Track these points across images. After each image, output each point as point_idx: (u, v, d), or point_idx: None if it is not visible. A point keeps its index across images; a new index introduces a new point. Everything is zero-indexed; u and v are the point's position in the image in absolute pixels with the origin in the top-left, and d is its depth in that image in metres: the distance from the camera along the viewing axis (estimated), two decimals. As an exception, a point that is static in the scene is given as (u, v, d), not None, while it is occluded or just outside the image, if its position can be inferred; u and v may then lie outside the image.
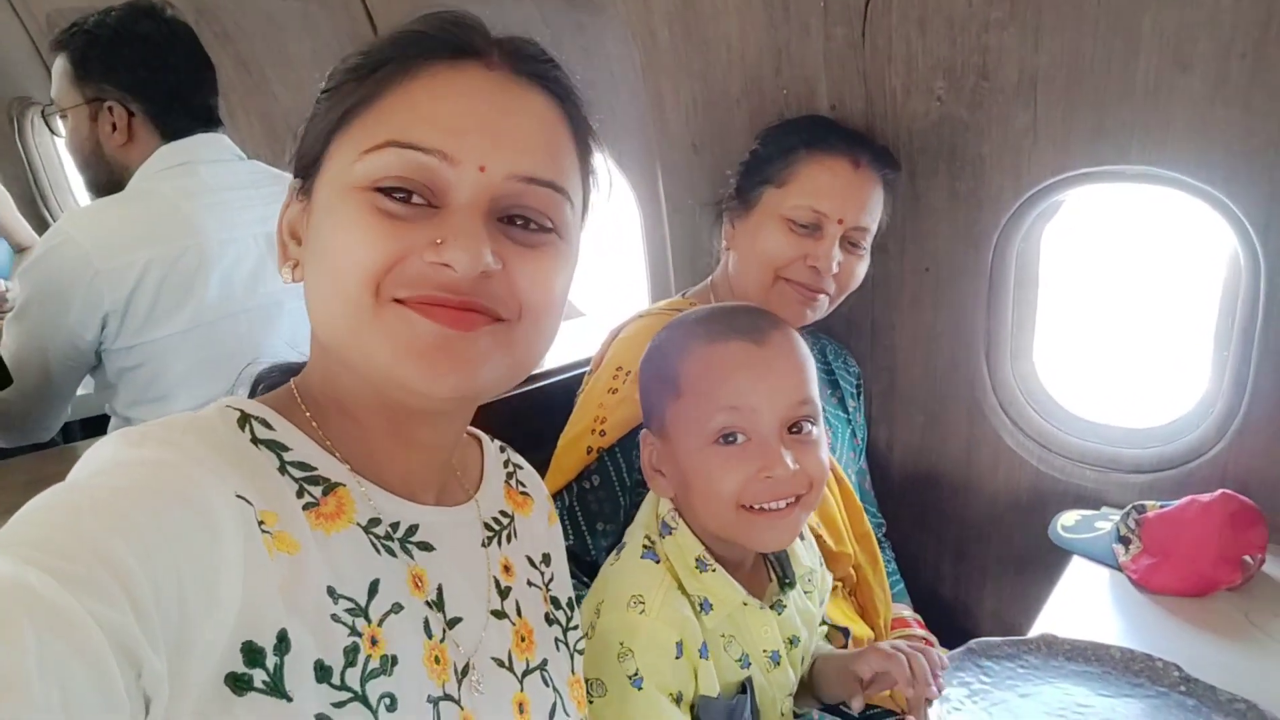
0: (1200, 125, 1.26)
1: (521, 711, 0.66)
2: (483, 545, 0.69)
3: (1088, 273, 1.66)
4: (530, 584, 0.73)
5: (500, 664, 0.66)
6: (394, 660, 0.57)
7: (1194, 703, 1.00)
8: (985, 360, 1.61)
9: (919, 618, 1.53)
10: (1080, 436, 1.60)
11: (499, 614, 0.68)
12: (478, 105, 0.58)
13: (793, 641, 1.03)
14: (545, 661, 0.70)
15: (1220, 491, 1.31)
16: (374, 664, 0.56)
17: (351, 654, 0.55)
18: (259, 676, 0.49)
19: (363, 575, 0.58)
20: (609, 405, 1.30)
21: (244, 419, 0.60)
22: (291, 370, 0.69)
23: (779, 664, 1.01)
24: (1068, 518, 1.47)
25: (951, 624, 1.39)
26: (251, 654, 0.50)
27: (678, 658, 0.90)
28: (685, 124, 1.67)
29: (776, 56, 1.50)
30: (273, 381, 0.69)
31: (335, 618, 0.55)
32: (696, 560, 0.95)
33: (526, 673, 0.68)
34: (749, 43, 1.51)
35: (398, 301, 0.56)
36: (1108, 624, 1.21)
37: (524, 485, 0.79)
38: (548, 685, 0.70)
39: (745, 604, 0.96)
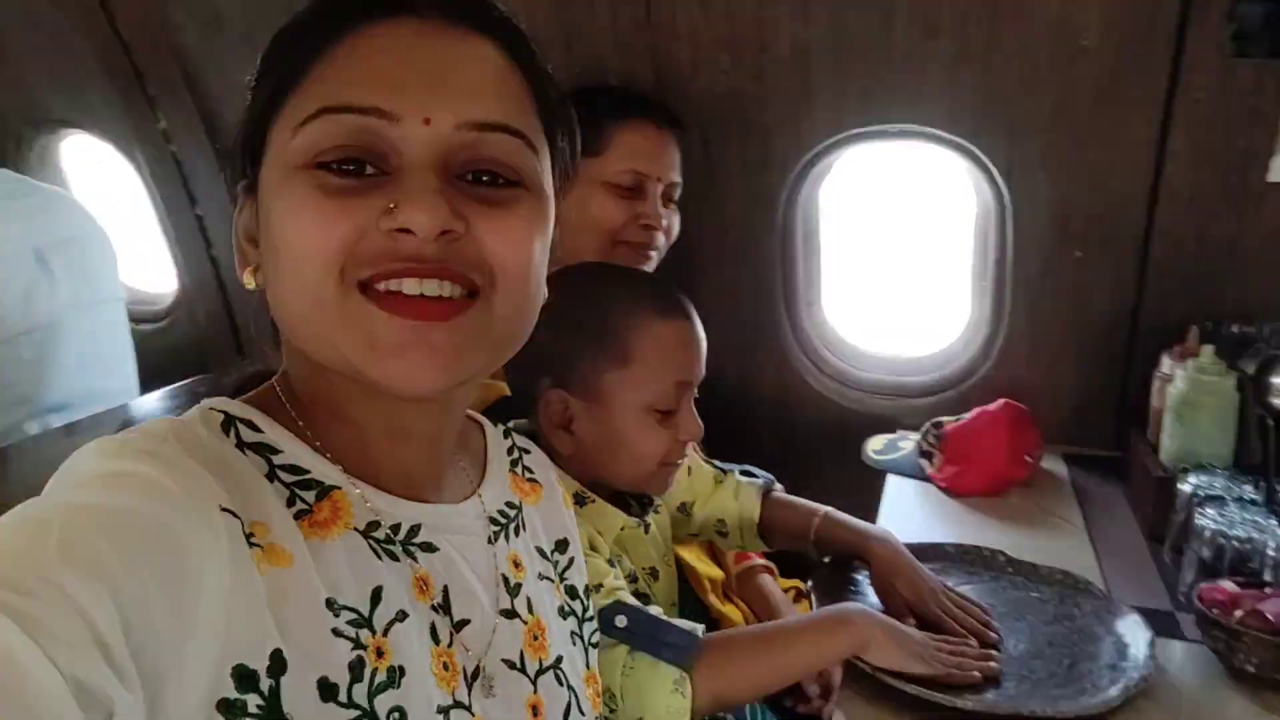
0: (949, 85, 1.43)
1: (535, 714, 0.64)
2: (489, 542, 0.66)
3: (863, 224, 1.84)
4: (542, 577, 0.70)
5: (512, 666, 0.63)
6: (401, 671, 0.54)
7: (1021, 579, 1.17)
8: (785, 311, 1.75)
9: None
10: (872, 370, 1.79)
11: (509, 613, 0.65)
12: (414, 56, 0.53)
13: (663, 556, 1.12)
14: (559, 659, 0.68)
15: (1002, 401, 1.52)
16: (381, 677, 0.53)
17: (357, 669, 0.52)
18: (253, 701, 0.47)
19: (364, 583, 0.55)
20: None
21: (228, 422, 0.57)
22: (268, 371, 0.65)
23: (659, 577, 1.09)
24: (875, 442, 1.64)
25: (788, 558, 1.51)
26: (243, 678, 0.47)
27: None
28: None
29: (566, 37, 1.53)
30: (253, 376, 0.64)
31: (337, 631, 0.52)
32: (575, 495, 0.97)
33: (540, 673, 0.65)
34: (537, 24, 1.53)
35: (364, 289, 0.52)
36: (931, 528, 1.37)
37: (531, 471, 0.76)
38: (562, 684, 0.67)
39: (623, 527, 1.02)
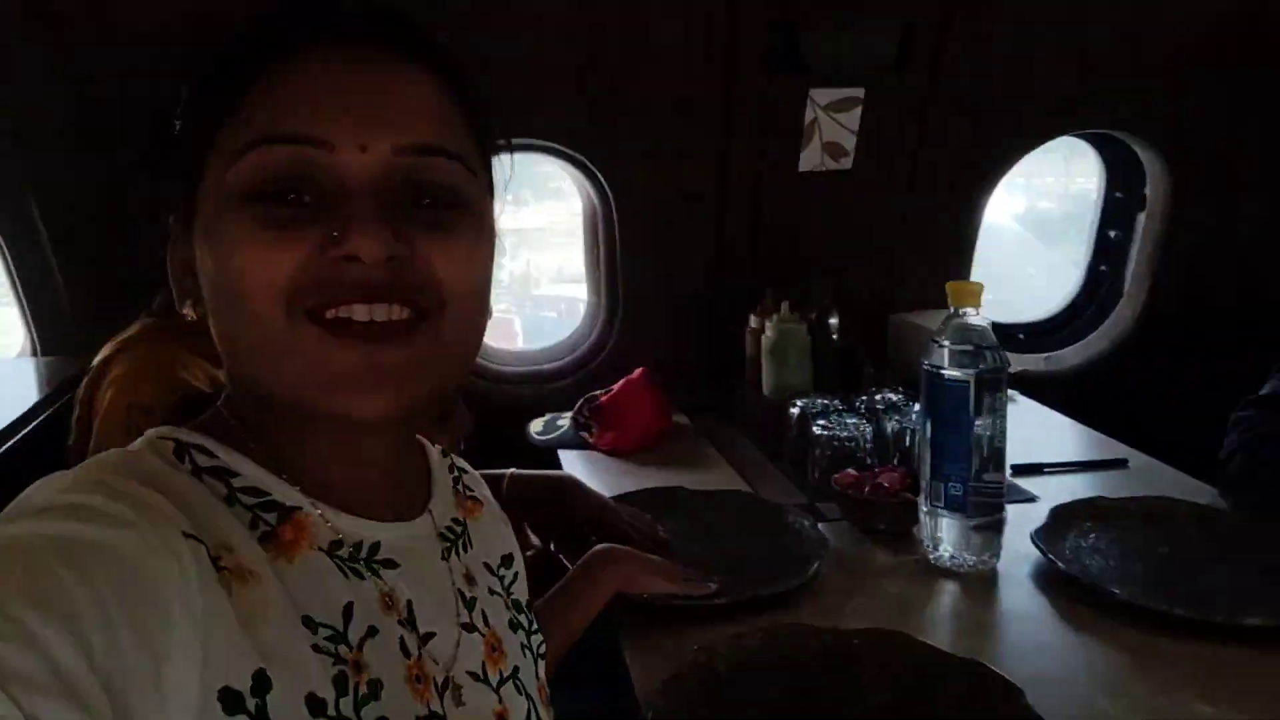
0: (564, 103, 1.64)
1: None
2: (442, 558, 0.66)
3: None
4: (492, 591, 0.71)
5: (476, 678, 0.65)
6: (380, 684, 0.55)
7: (703, 504, 1.41)
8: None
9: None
10: (513, 365, 1.94)
11: (468, 627, 0.66)
12: (347, 83, 0.53)
13: None
14: (516, 669, 0.69)
15: (640, 369, 1.77)
16: (364, 689, 0.54)
17: (341, 683, 0.53)
18: None
19: (334, 601, 0.55)
20: None
21: (180, 449, 0.54)
22: (204, 397, 0.60)
23: None
24: (535, 424, 1.80)
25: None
26: (229, 700, 0.47)
27: None
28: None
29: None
30: (186, 404, 0.60)
31: (317, 648, 0.53)
32: None
33: (501, 683, 0.67)
34: None
35: (312, 318, 0.52)
36: (611, 485, 1.54)
37: (471, 490, 0.76)
38: (521, 694, 0.69)
39: None
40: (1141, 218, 2.11)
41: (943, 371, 1.14)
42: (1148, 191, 2.09)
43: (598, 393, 1.77)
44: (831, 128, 1.71)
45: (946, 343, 1.14)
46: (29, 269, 1.61)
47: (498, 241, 0.61)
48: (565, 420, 1.78)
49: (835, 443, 1.47)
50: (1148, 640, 1.04)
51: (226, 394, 0.60)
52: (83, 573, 0.42)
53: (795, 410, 1.58)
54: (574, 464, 1.68)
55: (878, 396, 1.59)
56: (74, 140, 1.49)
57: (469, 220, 0.56)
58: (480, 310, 0.58)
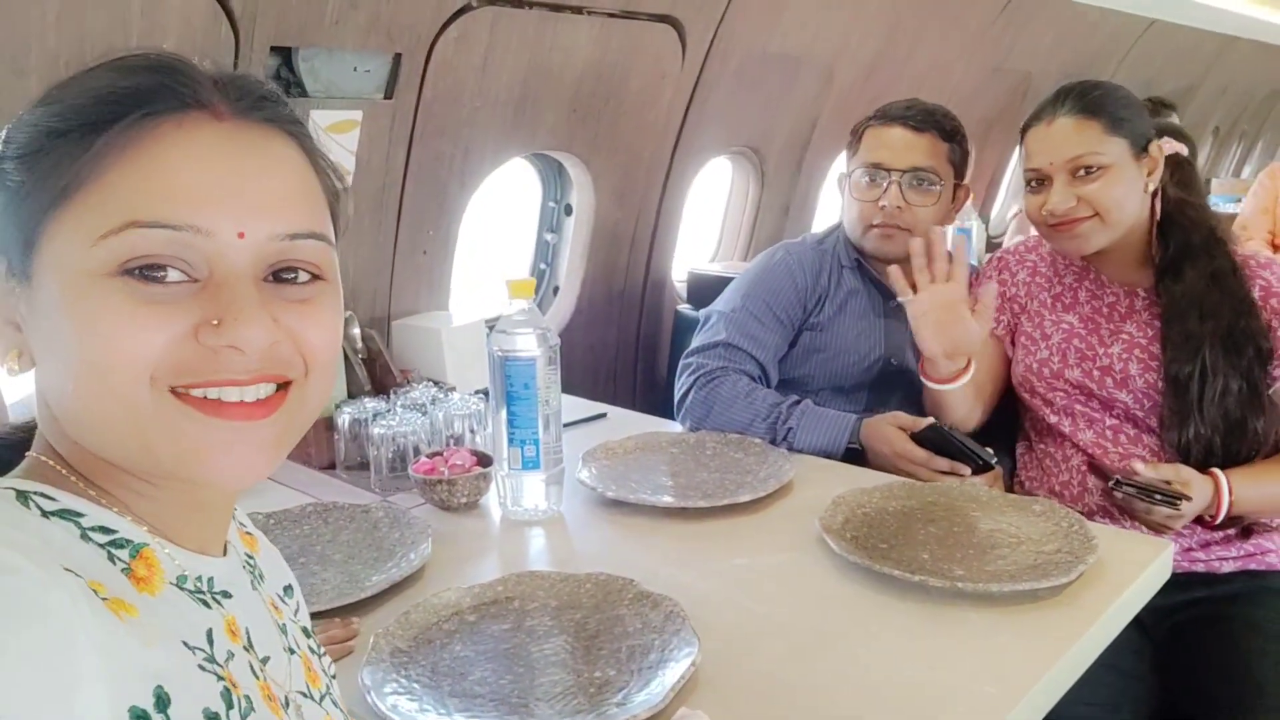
0: None
1: None
2: (253, 588, 0.65)
3: None
4: (290, 619, 0.70)
5: (304, 694, 0.66)
6: (249, 700, 0.57)
7: (290, 521, 1.43)
8: None
9: None
10: None
11: (288, 649, 0.66)
12: (219, 167, 0.54)
13: None
14: (328, 689, 0.70)
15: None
16: (243, 704, 0.56)
17: (227, 698, 0.55)
18: None
19: (198, 627, 0.56)
20: None
21: (21, 495, 0.51)
22: None
23: None
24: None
25: None
26: (139, 718, 0.48)
27: None
28: None
29: None
30: None
31: (201, 667, 0.55)
32: None
33: (321, 699, 0.68)
34: None
35: (178, 395, 0.52)
36: None
37: (245, 525, 0.71)
38: (337, 708, 0.70)
39: None
40: (570, 221, 2.58)
41: (513, 352, 1.36)
42: (574, 199, 2.56)
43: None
44: (332, 149, 1.80)
45: (516, 328, 1.36)
46: None
47: None
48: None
49: (397, 439, 1.59)
50: (684, 528, 1.40)
51: (42, 445, 0.57)
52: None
53: (345, 418, 1.66)
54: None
55: (415, 393, 1.75)
56: None
57: (329, 290, 0.59)
58: (335, 370, 0.62)
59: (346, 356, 1.80)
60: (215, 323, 0.52)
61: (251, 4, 1.61)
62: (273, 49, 1.71)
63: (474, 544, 1.40)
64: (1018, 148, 1.64)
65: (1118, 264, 1.60)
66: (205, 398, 0.53)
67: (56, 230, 0.52)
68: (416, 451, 1.59)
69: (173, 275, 0.52)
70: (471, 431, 1.68)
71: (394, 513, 1.43)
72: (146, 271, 0.51)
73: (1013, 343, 1.71)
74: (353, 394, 1.80)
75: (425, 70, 1.94)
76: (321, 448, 1.69)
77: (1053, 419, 1.65)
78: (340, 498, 1.54)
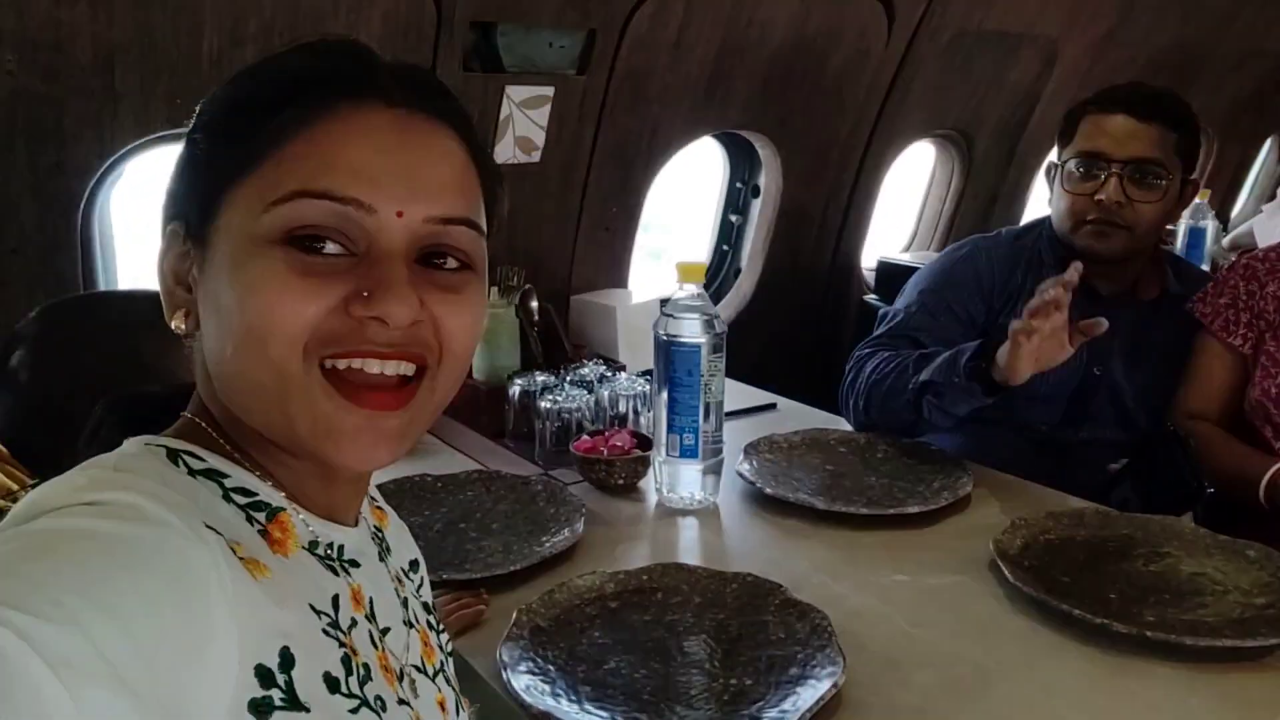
0: None
1: (443, 710, 0.70)
2: (380, 559, 0.68)
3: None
4: (411, 594, 0.73)
5: (419, 669, 0.68)
6: (368, 668, 0.59)
7: (482, 490, 1.47)
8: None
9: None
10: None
11: (408, 623, 0.69)
12: (388, 148, 0.56)
13: None
14: (442, 665, 0.73)
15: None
16: (362, 671, 0.58)
17: (348, 664, 0.57)
18: (276, 695, 0.51)
19: (325, 593, 0.59)
20: None
21: (173, 454, 0.55)
22: (150, 402, 0.59)
23: None
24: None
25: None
26: (264, 676, 0.50)
27: None
28: None
29: None
30: (125, 415, 0.58)
31: (325, 631, 0.57)
32: None
33: (435, 675, 0.71)
34: None
35: (324, 369, 0.54)
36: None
37: (376, 499, 0.75)
38: (449, 685, 0.73)
39: None
40: (756, 203, 2.52)
41: (678, 337, 1.33)
42: (762, 181, 2.50)
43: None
44: (524, 123, 1.84)
45: (681, 313, 1.33)
46: None
47: None
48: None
49: (564, 414, 1.60)
50: (844, 536, 1.33)
51: (201, 407, 0.60)
52: (123, 561, 0.45)
53: (515, 390, 1.69)
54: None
55: (584, 370, 1.76)
56: None
57: (475, 281, 0.61)
58: (468, 363, 0.63)
59: (522, 328, 1.83)
60: (365, 295, 0.54)
61: (455, -21, 1.65)
62: (472, 24, 1.75)
63: (626, 527, 1.38)
64: (1269, 143, 1.43)
65: None
66: (349, 369, 0.55)
67: (234, 198, 0.55)
68: (580, 428, 1.60)
69: (331, 248, 0.54)
70: (636, 412, 1.67)
71: (553, 488, 1.45)
72: (308, 242, 0.54)
73: (1254, 363, 1.50)
74: (526, 366, 1.83)
75: (619, 46, 1.94)
76: (493, 415, 1.74)
77: (1283, 455, 1.44)
78: (505, 467, 1.57)
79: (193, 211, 0.57)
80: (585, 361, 1.81)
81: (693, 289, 1.36)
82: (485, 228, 0.63)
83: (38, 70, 1.37)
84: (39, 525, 0.45)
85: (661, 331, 1.36)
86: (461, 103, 0.63)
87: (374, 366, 0.56)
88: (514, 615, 1.06)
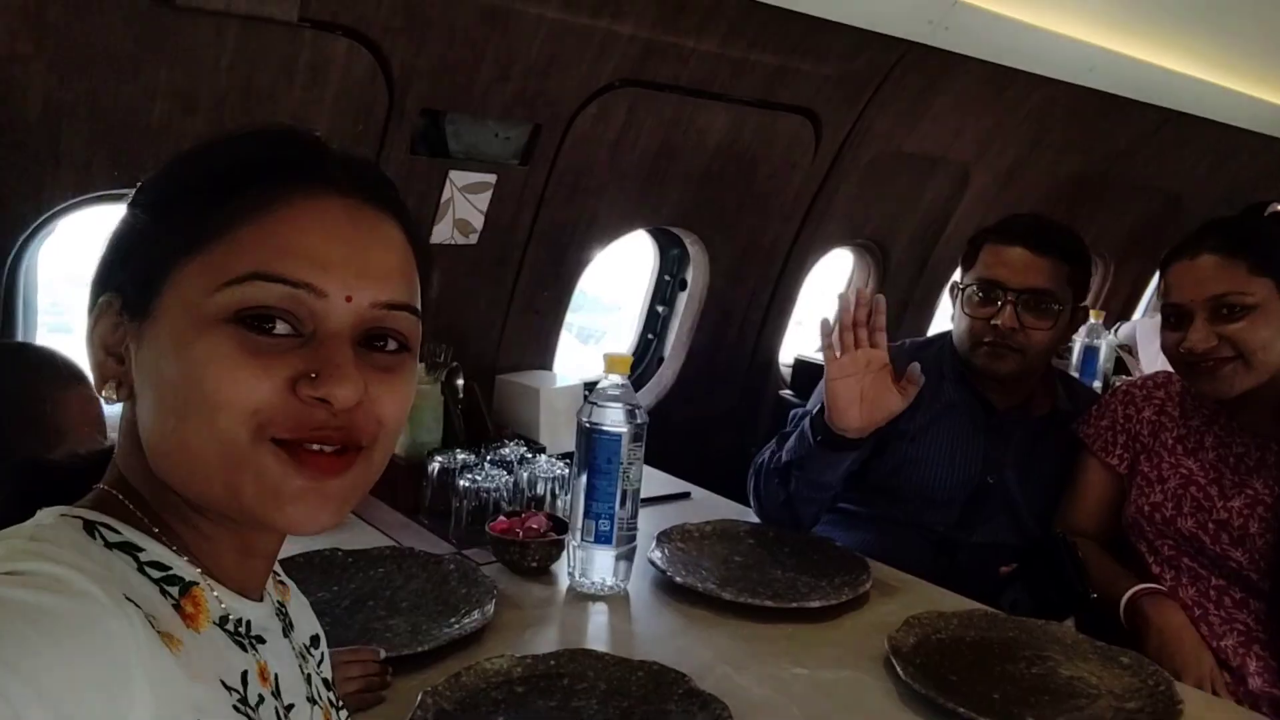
0: None
1: None
2: (284, 635, 0.68)
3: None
4: (313, 670, 0.73)
5: None
6: None
7: (356, 571, 1.47)
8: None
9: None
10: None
11: (310, 699, 0.69)
12: (340, 236, 0.59)
13: None
14: None
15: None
16: None
17: None
18: None
19: (235, 669, 0.59)
20: None
21: (89, 525, 0.55)
22: (54, 469, 0.60)
23: None
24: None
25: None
26: None
27: None
28: None
29: None
30: (23, 484, 0.59)
31: (235, 708, 0.57)
32: None
33: None
34: None
35: (275, 441, 0.56)
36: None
37: (278, 574, 0.74)
38: None
39: None
40: (683, 296, 2.62)
41: (601, 425, 1.38)
42: (687, 276, 2.60)
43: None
44: (464, 207, 1.90)
45: (605, 402, 1.38)
46: None
47: None
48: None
49: (481, 494, 1.63)
50: (748, 628, 1.37)
51: (114, 477, 0.61)
52: (47, 635, 0.45)
53: (435, 466, 1.71)
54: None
55: (505, 449, 1.79)
56: None
57: (410, 363, 0.63)
58: (396, 441, 0.65)
59: (446, 406, 1.86)
60: (313, 375, 0.56)
61: (409, 68, 1.72)
62: (423, 110, 1.82)
63: (537, 610, 1.40)
64: (1157, 275, 1.57)
65: (1254, 411, 1.50)
66: (293, 442, 0.57)
67: (180, 276, 0.57)
68: (497, 508, 1.62)
69: (280, 328, 0.57)
70: (554, 495, 1.70)
71: (465, 568, 1.46)
72: (257, 321, 0.56)
73: (1129, 482, 1.62)
74: (447, 443, 1.85)
75: (562, 141, 2.02)
76: (410, 491, 1.75)
77: (1155, 569, 1.55)
78: (418, 544, 1.58)
79: (130, 285, 0.59)
80: (506, 441, 1.84)
81: (617, 379, 1.42)
82: (420, 311, 0.65)
83: (-18, 123, 1.38)
84: None
85: (585, 419, 1.40)
86: (400, 193, 0.66)
87: (314, 447, 0.57)
88: (419, 697, 1.07)
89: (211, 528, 0.61)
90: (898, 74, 2.38)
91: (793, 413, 1.85)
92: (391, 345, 0.61)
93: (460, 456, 1.72)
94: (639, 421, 1.40)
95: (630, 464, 1.41)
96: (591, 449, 1.40)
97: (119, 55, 1.43)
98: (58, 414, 0.89)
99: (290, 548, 1.50)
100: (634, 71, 2.00)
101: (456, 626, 1.27)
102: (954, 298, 1.79)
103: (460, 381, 1.90)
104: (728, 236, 2.54)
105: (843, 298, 1.52)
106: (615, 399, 1.40)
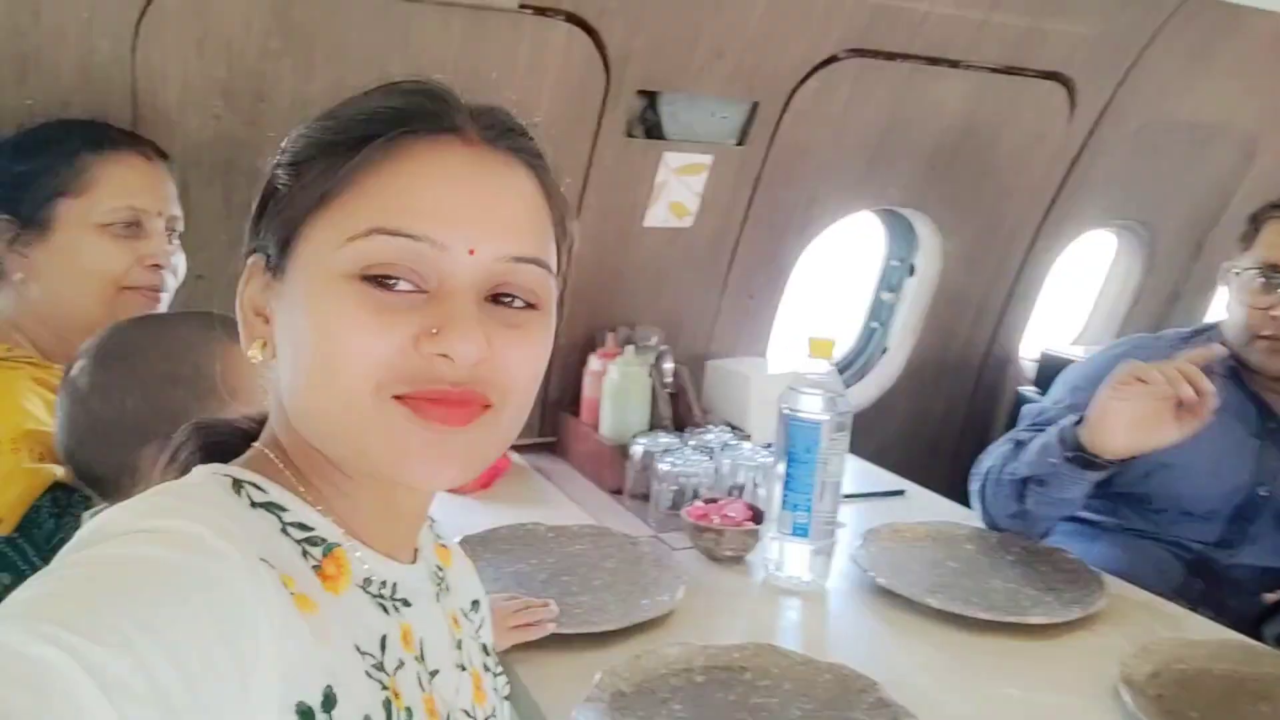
0: None
1: None
2: (436, 600, 0.69)
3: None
4: (469, 635, 0.73)
5: (468, 715, 0.68)
6: (410, 713, 0.59)
7: (563, 540, 1.49)
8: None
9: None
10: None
11: (460, 666, 0.69)
12: (463, 187, 0.57)
13: None
14: (494, 710, 0.72)
15: (488, 406, 1.82)
16: (403, 716, 0.58)
17: (388, 708, 0.57)
18: None
19: (374, 633, 0.59)
20: None
21: (237, 484, 0.57)
22: (230, 430, 0.62)
23: None
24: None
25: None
26: (304, 714, 0.50)
27: None
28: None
29: (21, 64, 1.34)
30: (205, 442, 0.61)
31: (368, 674, 0.57)
32: None
33: None
34: None
35: (397, 398, 0.55)
36: (460, 524, 1.56)
37: (441, 537, 0.77)
38: None
39: None
40: (911, 282, 2.46)
41: (800, 414, 1.31)
42: (917, 261, 2.44)
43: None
44: (678, 189, 1.89)
45: (806, 389, 1.31)
46: None
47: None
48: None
49: (680, 478, 1.61)
50: (955, 638, 1.26)
51: (270, 435, 0.63)
52: (178, 591, 0.46)
53: (638, 449, 1.71)
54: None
55: (709, 436, 1.76)
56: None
57: (541, 320, 0.61)
58: (533, 396, 0.63)
59: (653, 389, 1.85)
60: (434, 331, 0.55)
61: (625, 50, 1.72)
62: (639, 91, 1.81)
63: (727, 600, 1.36)
64: None
65: None
66: (416, 397, 0.56)
67: (312, 232, 0.57)
68: (696, 494, 1.59)
69: (403, 285, 0.56)
70: (756, 485, 1.65)
71: (660, 551, 1.45)
72: (379, 279, 0.55)
73: None
74: (653, 425, 1.85)
75: (780, 119, 1.95)
76: (614, 472, 1.76)
77: None
78: (618, 524, 1.59)
79: (273, 245, 0.59)
80: (711, 427, 1.81)
81: (822, 365, 1.34)
82: (555, 266, 0.63)
83: (241, 115, 1.52)
84: (98, 551, 0.47)
85: (784, 406, 1.34)
86: (536, 141, 0.63)
87: (438, 398, 0.56)
88: (597, 676, 1.07)
89: (353, 487, 0.61)
90: (1170, 31, 2.10)
91: (1025, 408, 1.69)
92: (520, 302, 0.59)
93: (663, 440, 1.71)
94: (841, 410, 1.32)
95: (831, 455, 1.33)
96: (790, 437, 1.33)
97: (358, 49, 1.53)
98: (229, 375, 0.93)
99: (495, 519, 1.56)
100: (860, 40, 1.89)
101: (644, 608, 1.26)
102: (1228, 284, 1.54)
103: (669, 365, 1.89)
104: (964, 218, 2.36)
105: (1212, 347, 1.35)
106: (816, 385, 1.32)
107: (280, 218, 0.59)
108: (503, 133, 0.61)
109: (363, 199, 0.56)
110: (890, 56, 1.96)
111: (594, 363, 1.90)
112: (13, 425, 1.12)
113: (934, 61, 2.01)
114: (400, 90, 0.60)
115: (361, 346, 0.55)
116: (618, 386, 1.81)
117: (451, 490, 1.65)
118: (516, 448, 1.96)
